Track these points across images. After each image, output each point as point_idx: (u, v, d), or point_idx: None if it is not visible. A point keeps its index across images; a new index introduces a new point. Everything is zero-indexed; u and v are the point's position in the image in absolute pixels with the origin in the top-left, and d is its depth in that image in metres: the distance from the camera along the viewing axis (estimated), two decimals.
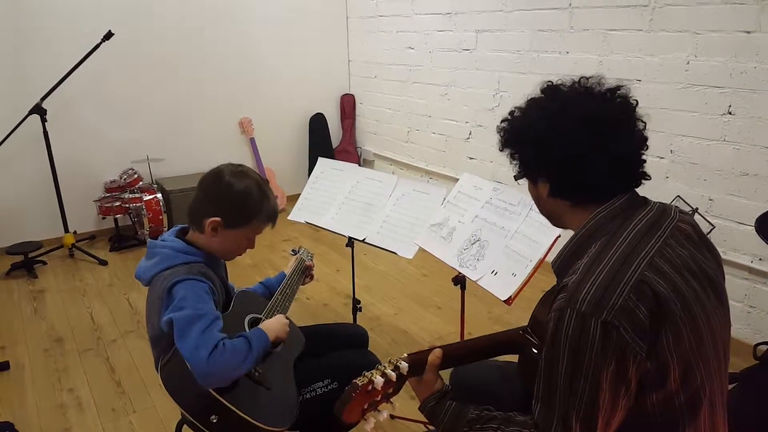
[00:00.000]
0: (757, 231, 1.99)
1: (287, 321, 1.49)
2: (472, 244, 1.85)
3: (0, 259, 3.71)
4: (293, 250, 2.01)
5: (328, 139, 5.05)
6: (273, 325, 1.43)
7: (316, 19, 4.79)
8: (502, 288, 1.66)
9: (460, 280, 1.93)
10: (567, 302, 0.93)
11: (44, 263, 3.71)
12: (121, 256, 3.90)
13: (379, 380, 1.07)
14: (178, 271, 1.37)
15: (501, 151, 1.13)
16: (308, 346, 1.63)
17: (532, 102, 1.08)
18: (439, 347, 1.21)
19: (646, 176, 1.05)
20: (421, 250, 2.01)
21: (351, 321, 2.74)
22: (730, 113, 2.45)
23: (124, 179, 4.03)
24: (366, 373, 1.07)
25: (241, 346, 1.29)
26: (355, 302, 2.37)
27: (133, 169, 4.09)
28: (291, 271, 1.82)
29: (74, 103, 3.91)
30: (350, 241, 2.27)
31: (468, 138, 3.97)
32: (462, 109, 3.97)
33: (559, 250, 1.09)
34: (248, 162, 4.67)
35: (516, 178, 1.14)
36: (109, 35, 3.52)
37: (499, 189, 1.91)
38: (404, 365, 1.12)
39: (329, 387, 1.57)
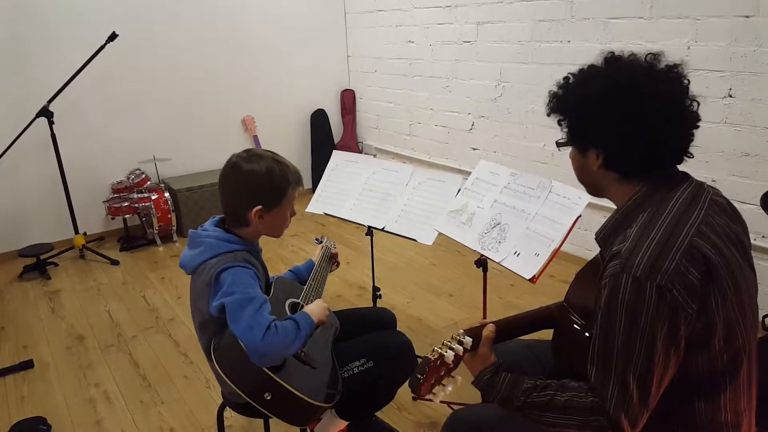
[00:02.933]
0: (762, 207, 2.08)
1: (326, 304, 1.55)
2: (493, 227, 1.92)
3: (13, 261, 3.74)
4: (317, 239, 2.07)
5: (330, 135, 5.11)
6: (316, 309, 1.49)
7: (315, 15, 4.84)
8: (526, 267, 1.74)
9: (482, 263, 2.00)
10: (622, 268, 0.98)
11: (56, 265, 3.74)
12: (132, 256, 3.93)
13: (449, 354, 1.12)
14: (224, 258, 1.42)
15: (548, 116, 1.17)
16: (341, 328, 1.69)
17: (593, 70, 1.11)
18: (491, 322, 1.27)
19: (689, 154, 1.10)
20: (439, 246, 2.08)
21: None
22: (730, 96, 2.55)
23: (132, 180, 4.06)
24: (435, 349, 1.12)
25: (291, 327, 1.35)
26: (375, 289, 2.44)
27: (140, 170, 4.12)
28: (319, 259, 1.89)
29: (80, 105, 3.93)
30: (370, 230, 2.33)
31: (471, 129, 4.04)
32: (464, 101, 4.04)
33: (604, 222, 1.15)
34: None
35: (560, 144, 1.17)
36: (113, 36, 3.55)
37: (516, 174, 1.99)
38: (468, 340, 1.18)
39: (365, 366, 1.64)
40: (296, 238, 4.05)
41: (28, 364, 2.60)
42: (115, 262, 3.77)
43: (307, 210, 2.45)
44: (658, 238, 0.99)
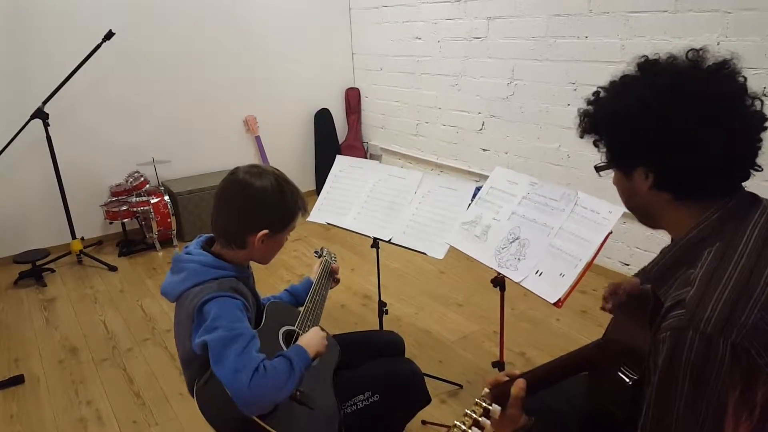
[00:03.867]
0: None
1: (324, 333, 1.41)
2: (511, 242, 1.76)
3: (8, 268, 3.62)
4: (316, 252, 1.92)
5: (334, 135, 4.95)
6: (311, 339, 1.35)
7: (318, 12, 4.68)
8: (550, 289, 1.58)
9: (499, 282, 1.84)
10: (688, 322, 0.83)
11: (52, 271, 3.62)
12: (131, 261, 3.81)
13: None
14: (208, 287, 1.28)
15: (581, 137, 1.02)
16: (343, 356, 1.55)
17: (627, 80, 0.96)
18: (520, 376, 1.11)
19: (757, 167, 0.93)
20: (449, 253, 1.93)
21: (373, 322, 2.67)
22: (765, 95, 2.36)
23: (130, 182, 3.94)
24: (457, 423, 0.95)
25: (282, 367, 1.21)
26: (382, 305, 2.29)
27: (138, 172, 3.99)
28: (318, 276, 1.74)
29: (76, 106, 3.81)
30: (375, 242, 2.18)
31: (481, 129, 3.88)
32: (474, 100, 3.87)
33: (657, 256, 0.99)
34: (254, 160, 4.57)
35: (600, 169, 1.02)
36: (109, 35, 3.41)
37: (537, 183, 1.83)
38: (496, 408, 1.00)
39: (371, 400, 1.50)
40: (299, 242, 3.91)
41: (18, 380, 2.49)
42: (113, 268, 3.65)
43: (308, 219, 2.29)
44: (732, 285, 0.83)
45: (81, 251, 3.71)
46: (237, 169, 1.38)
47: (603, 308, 1.42)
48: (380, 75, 4.72)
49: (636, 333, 1.14)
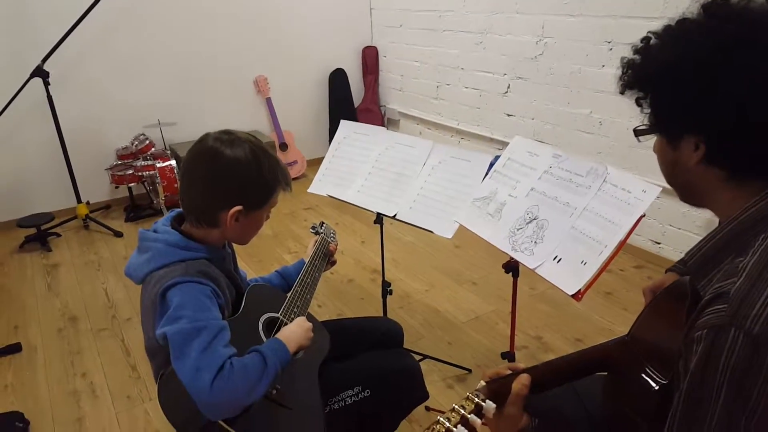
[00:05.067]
0: None
1: (310, 325, 1.24)
2: (528, 223, 1.56)
3: (14, 232, 3.57)
4: (313, 227, 1.75)
5: (350, 97, 4.72)
6: (293, 332, 1.19)
7: None
8: (569, 279, 1.38)
9: (512, 267, 1.65)
10: (730, 319, 0.68)
11: (58, 235, 3.55)
12: (137, 227, 3.65)
13: None
14: (173, 271, 1.12)
15: (621, 93, 0.84)
16: (334, 346, 1.39)
17: (688, 25, 0.78)
18: (525, 371, 0.94)
19: None
20: (462, 227, 1.73)
21: (378, 299, 2.51)
22: None
23: (136, 145, 3.81)
24: (441, 420, 0.80)
25: (253, 365, 1.05)
26: (385, 285, 2.12)
27: (144, 135, 3.86)
28: (312, 255, 1.57)
29: (78, 65, 3.65)
30: (379, 218, 2.00)
31: (506, 92, 3.60)
32: (499, 60, 3.58)
33: (700, 241, 0.82)
34: (265, 125, 4.39)
35: (640, 133, 0.85)
36: None
37: (561, 156, 1.60)
38: (490, 405, 0.84)
39: (360, 395, 1.34)
40: (310, 212, 3.75)
41: (15, 348, 2.43)
42: (118, 234, 3.56)
43: (309, 191, 2.12)
44: None
45: (87, 216, 3.63)
46: (207, 135, 1.19)
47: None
48: (400, 32, 4.43)
49: (668, 332, 0.98)
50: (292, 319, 1.28)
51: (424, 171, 1.94)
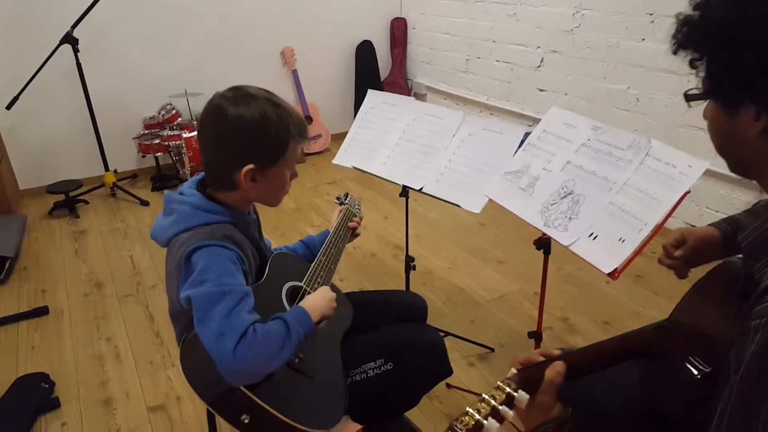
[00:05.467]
0: None
1: (333, 295, 1.21)
2: (562, 198, 1.49)
3: (43, 198, 3.62)
4: (338, 198, 1.71)
5: (376, 71, 4.63)
6: (317, 301, 1.16)
7: None
8: (605, 257, 1.32)
9: (544, 244, 1.59)
10: None
11: (86, 202, 3.60)
12: (163, 196, 3.73)
13: (492, 426, 0.73)
14: (198, 234, 1.10)
15: (674, 53, 0.76)
16: (357, 318, 1.36)
17: None
18: (559, 358, 0.89)
19: None
20: (491, 202, 1.68)
21: (402, 276, 2.48)
22: None
23: (163, 115, 3.81)
24: (470, 411, 0.74)
25: (276, 332, 1.02)
26: (409, 260, 2.08)
27: (171, 105, 3.86)
28: (336, 226, 1.54)
29: (107, 33, 3.65)
30: (404, 191, 1.95)
31: (539, 66, 3.48)
32: (533, 32, 3.46)
33: (758, 220, 0.75)
34: (290, 97, 4.35)
35: (692, 98, 0.77)
36: None
37: (601, 128, 1.52)
38: (523, 396, 0.79)
39: (383, 368, 1.31)
40: (333, 186, 3.72)
41: (42, 311, 2.47)
42: (144, 203, 3.59)
43: (333, 162, 2.08)
44: None
45: (114, 184, 3.66)
46: (216, 93, 1.15)
47: (662, 262, 1.17)
48: (430, 4, 4.31)
49: (714, 317, 0.93)
50: (316, 288, 1.25)
51: (453, 143, 1.88)
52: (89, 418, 1.89)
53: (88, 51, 3.42)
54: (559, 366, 0.84)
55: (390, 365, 1.31)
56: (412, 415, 1.73)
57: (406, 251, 2.09)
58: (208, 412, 1.46)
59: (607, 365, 0.99)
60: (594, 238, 1.38)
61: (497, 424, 0.73)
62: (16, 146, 3.61)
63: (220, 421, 1.51)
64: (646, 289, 2.47)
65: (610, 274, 1.30)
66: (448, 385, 1.94)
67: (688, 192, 1.28)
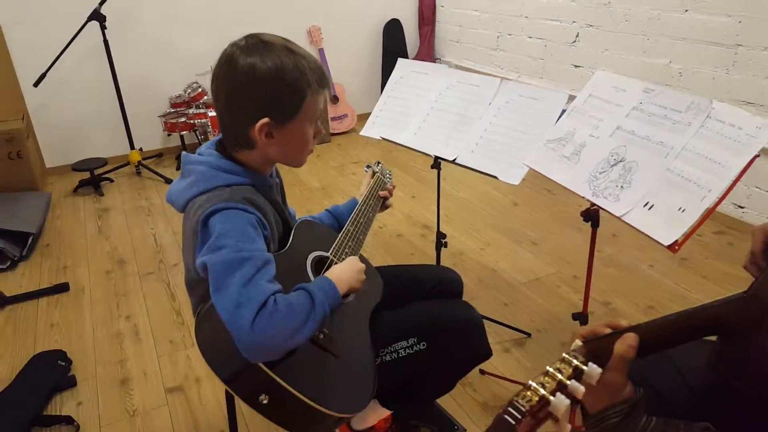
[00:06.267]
0: None
1: (362, 266, 1.11)
2: (612, 166, 1.35)
3: (69, 175, 3.61)
4: (368, 166, 1.60)
5: (404, 49, 4.49)
6: (344, 271, 1.05)
7: None
8: (663, 228, 1.18)
9: (592, 215, 1.45)
10: None
11: (111, 181, 3.57)
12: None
13: (561, 403, 0.61)
14: (216, 196, 1.00)
15: None
16: (387, 293, 1.26)
17: None
18: (630, 329, 0.77)
19: None
20: (524, 181, 1.55)
21: (431, 255, 2.37)
22: None
23: (189, 93, 3.76)
24: (534, 386, 0.63)
25: (300, 304, 0.92)
26: (440, 236, 1.97)
27: (197, 83, 3.80)
28: (366, 194, 1.43)
29: (135, 11, 3.59)
30: (436, 162, 1.83)
31: (574, 41, 3.30)
32: (568, 6, 3.27)
33: None
34: None
35: None
36: None
37: (654, 90, 1.38)
38: (594, 371, 0.66)
39: (416, 348, 1.20)
40: (359, 165, 3.61)
41: (63, 287, 2.43)
42: (169, 181, 3.54)
43: (361, 133, 1.97)
44: None
45: (140, 162, 3.62)
46: (229, 44, 1.05)
47: (747, 268, 1.03)
48: None
49: None
50: (343, 259, 1.14)
51: (489, 111, 1.75)
52: (105, 398, 1.83)
53: (115, 28, 3.37)
54: (631, 339, 0.72)
55: (423, 345, 1.20)
56: (444, 402, 1.63)
57: (438, 226, 1.98)
58: (227, 393, 1.37)
59: (677, 341, 0.86)
60: (650, 208, 1.24)
61: (567, 401, 0.61)
62: (43, 125, 3.59)
63: (241, 405, 1.42)
64: (692, 272, 2.30)
65: (669, 247, 1.16)
66: (482, 372, 1.83)
67: (757, 156, 1.13)
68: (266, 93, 1.00)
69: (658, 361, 1.04)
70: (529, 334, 1.99)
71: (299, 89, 1.01)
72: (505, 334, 2.00)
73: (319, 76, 1.04)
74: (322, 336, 1.01)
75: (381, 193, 1.44)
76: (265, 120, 1.00)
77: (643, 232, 1.21)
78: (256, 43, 1.01)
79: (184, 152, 1.12)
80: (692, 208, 1.18)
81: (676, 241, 1.16)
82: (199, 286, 1.06)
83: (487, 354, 1.29)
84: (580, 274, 2.33)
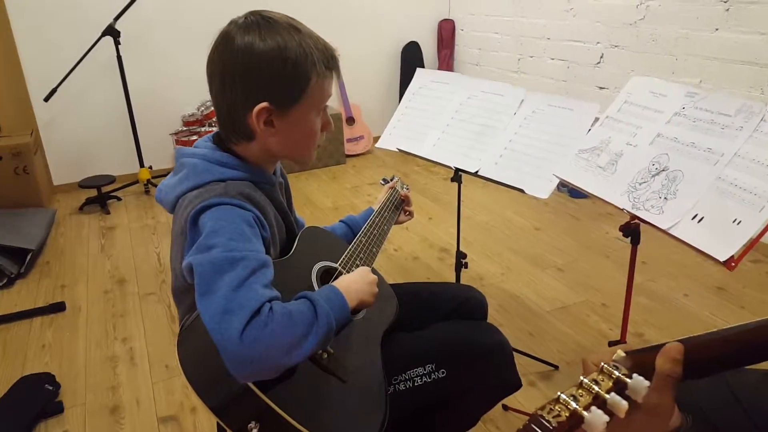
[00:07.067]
0: None
1: (375, 277, 0.96)
2: (654, 175, 1.21)
3: (77, 193, 3.53)
4: (384, 180, 1.48)
5: None
6: (354, 282, 0.91)
7: None
8: (716, 242, 1.03)
9: (632, 231, 1.30)
10: None
11: (119, 199, 3.48)
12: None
13: (598, 419, 0.47)
14: (209, 191, 0.87)
15: None
16: (403, 313, 1.11)
17: None
18: (678, 341, 0.61)
19: None
20: (545, 206, 1.40)
21: (450, 279, 2.21)
22: None
23: (202, 111, 3.71)
24: (563, 398, 0.49)
25: (300, 314, 0.78)
26: (460, 256, 1.82)
27: (210, 101, 3.74)
28: (381, 205, 1.30)
29: (149, 27, 3.57)
30: (457, 175, 1.70)
31: (599, 63, 3.19)
32: (592, 27, 3.18)
33: None
34: (333, 97, 4.17)
35: None
36: None
37: (698, 94, 1.25)
38: (641, 384, 0.52)
39: (433, 376, 1.05)
40: (374, 186, 3.49)
41: (59, 307, 2.31)
42: None
43: (377, 146, 1.86)
44: None
45: (149, 181, 3.54)
46: (228, 23, 0.94)
47: None
48: (479, 3, 4.09)
49: None
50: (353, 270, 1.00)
51: (514, 122, 1.63)
52: (93, 427, 1.68)
53: (129, 45, 3.34)
54: (674, 351, 0.55)
55: (443, 372, 1.04)
56: None
57: (458, 245, 1.83)
58: (219, 426, 1.22)
59: (736, 362, 0.68)
60: (699, 221, 1.09)
61: (605, 417, 0.47)
62: (53, 140, 3.54)
63: None
64: (730, 303, 2.11)
65: (725, 263, 1.01)
66: (505, 407, 1.65)
67: None
68: (265, 74, 0.88)
69: (714, 383, 0.87)
70: (556, 367, 1.81)
71: (303, 71, 0.89)
72: (531, 366, 1.82)
73: (327, 59, 0.92)
74: (326, 356, 0.86)
75: (402, 192, 1.31)
76: (264, 104, 0.88)
77: (693, 247, 1.06)
78: (256, 20, 0.90)
79: (178, 146, 1.00)
80: (749, 220, 1.03)
81: (732, 255, 1.00)
82: (187, 294, 0.93)
83: (517, 385, 1.13)
84: (610, 302, 2.15)
